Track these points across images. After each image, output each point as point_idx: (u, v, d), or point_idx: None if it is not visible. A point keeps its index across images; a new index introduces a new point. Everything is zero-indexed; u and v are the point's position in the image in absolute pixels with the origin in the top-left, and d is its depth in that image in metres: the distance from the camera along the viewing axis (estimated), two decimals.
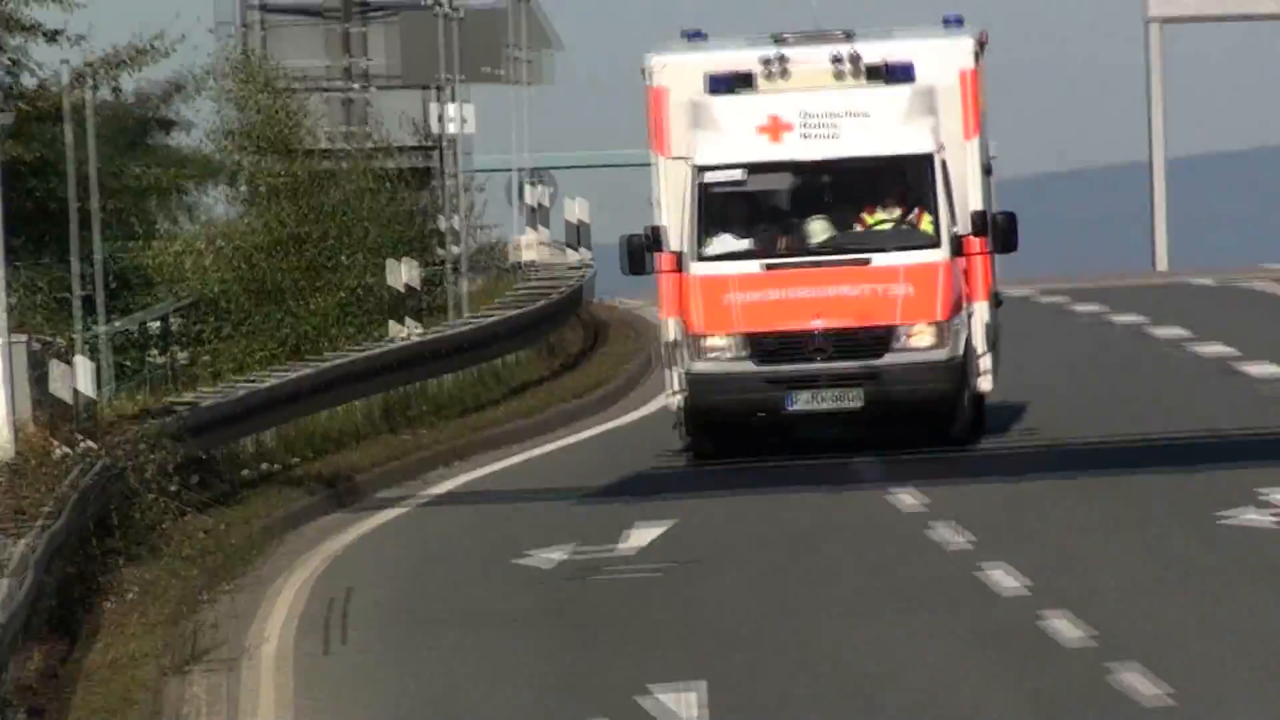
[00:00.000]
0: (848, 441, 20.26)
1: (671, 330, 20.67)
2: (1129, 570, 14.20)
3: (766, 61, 20.47)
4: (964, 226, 20.37)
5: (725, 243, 20.22)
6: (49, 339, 21.89)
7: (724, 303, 19.97)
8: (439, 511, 21.18)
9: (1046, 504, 18.36)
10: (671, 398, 20.73)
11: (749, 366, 19.81)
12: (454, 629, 13.89)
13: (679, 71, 20.59)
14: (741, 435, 20.45)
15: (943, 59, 20.68)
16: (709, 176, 20.30)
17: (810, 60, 20.53)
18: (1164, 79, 55.26)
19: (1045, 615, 11.84)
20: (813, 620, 13.16)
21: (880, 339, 19.77)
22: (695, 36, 21.43)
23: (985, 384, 20.85)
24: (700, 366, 19.97)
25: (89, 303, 27.98)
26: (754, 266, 20.19)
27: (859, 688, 10.56)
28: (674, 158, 20.36)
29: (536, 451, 24.78)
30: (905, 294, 19.80)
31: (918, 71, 20.46)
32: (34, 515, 14.36)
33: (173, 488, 17.93)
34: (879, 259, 19.90)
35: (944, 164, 20.38)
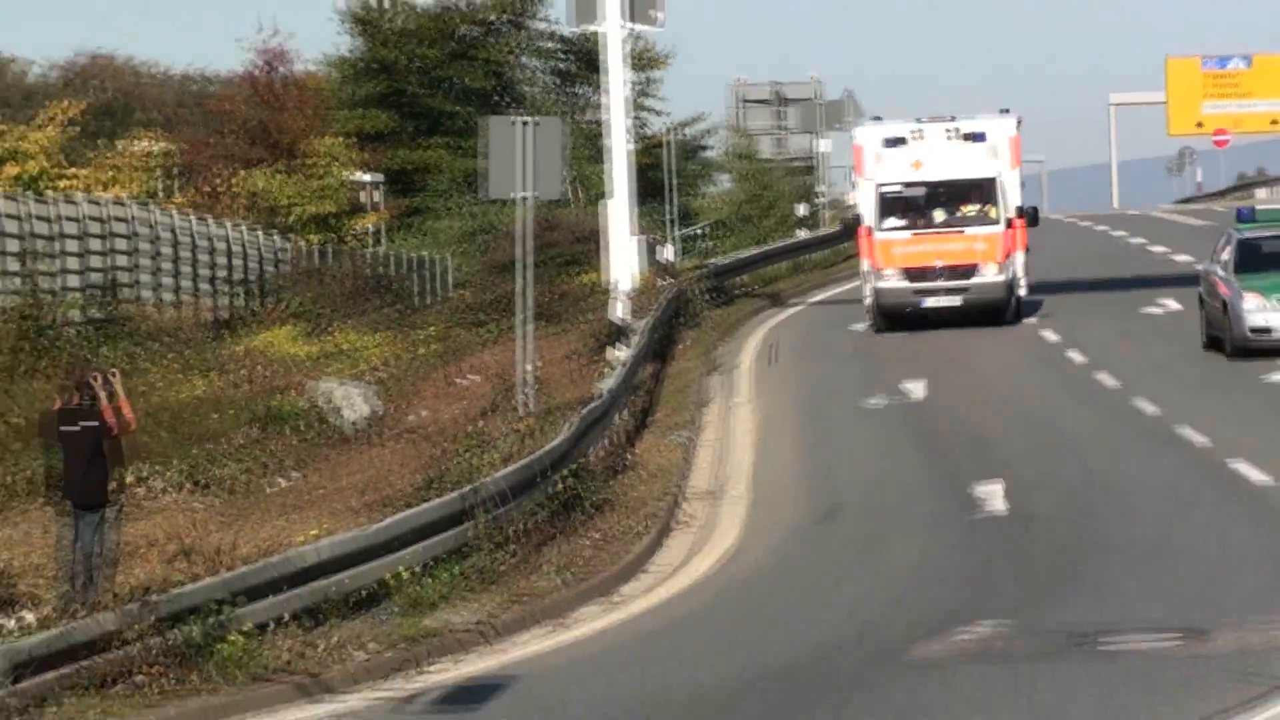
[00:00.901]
0: (955, 322, 33.20)
1: (864, 266, 35.11)
2: None
3: (912, 131, 35.40)
4: (1012, 214, 34.34)
5: (892, 222, 34.27)
6: (655, 236, 44.38)
7: (892, 252, 33.88)
8: (817, 306, 42.77)
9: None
10: (865, 300, 34.81)
11: (904, 283, 33.70)
12: (823, 359, 32.81)
13: (867, 135, 35.97)
14: (899, 319, 34.01)
15: (1000, 129, 35.20)
16: (883, 189, 34.56)
17: (934, 130, 35.22)
18: None
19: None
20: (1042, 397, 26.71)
21: (969, 270, 33.46)
22: (876, 119, 38.38)
23: (1022, 291, 34.76)
24: (880, 284, 33.94)
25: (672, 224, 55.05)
26: (906, 234, 34.10)
27: None
28: (864, 179, 35.67)
29: (837, 290, 44.72)
30: (982, 248, 33.57)
31: (988, 135, 34.95)
32: (646, 310, 33.73)
33: (706, 298, 39.00)
34: (969, 230, 33.89)
35: (1001, 182, 34.35)
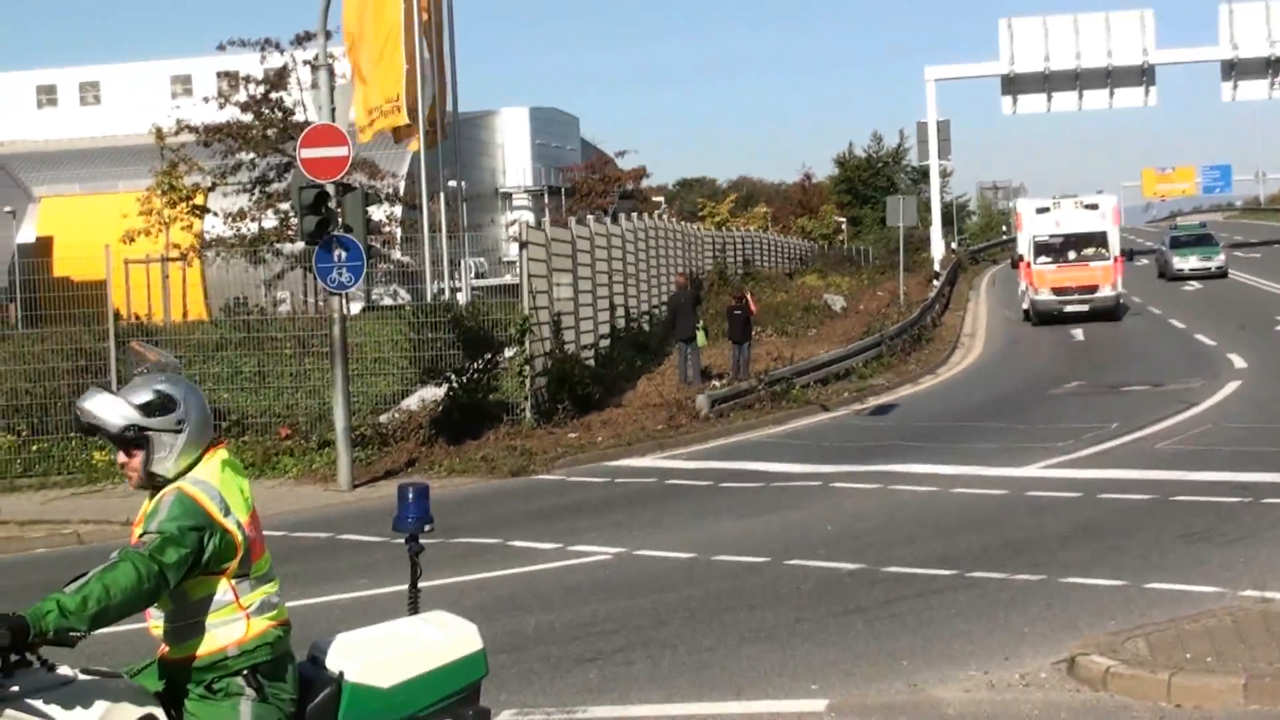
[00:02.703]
0: (1086, 319, 48.68)
1: (1022, 286, 51.22)
2: None
3: (1055, 202, 51.09)
4: (1115, 254, 49.60)
5: (1042, 258, 49.56)
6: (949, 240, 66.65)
7: (1044, 275, 49.28)
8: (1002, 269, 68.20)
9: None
10: (1023, 306, 50.80)
11: (1051, 297, 48.98)
12: (1014, 283, 56.01)
13: (1024, 206, 53.53)
14: (1048, 319, 48.74)
15: (1107, 201, 51.13)
16: (1036, 239, 49.91)
17: (1066, 203, 50.87)
18: None
19: None
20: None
21: (1094, 288, 48.80)
22: (1029, 196, 59.94)
23: (1122, 301, 49.97)
24: (1035, 297, 49.38)
25: (958, 233, 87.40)
26: (1052, 266, 49.38)
27: None
28: (1022, 232, 52.00)
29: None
30: (1102, 275, 48.85)
31: (1101, 205, 50.51)
32: (946, 266, 64.49)
33: (969, 260, 62.06)
34: (1093, 263, 49.29)
35: (1109, 234, 49.60)
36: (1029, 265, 50.12)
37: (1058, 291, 48.79)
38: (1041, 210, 50.86)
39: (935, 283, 61.63)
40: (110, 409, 6.39)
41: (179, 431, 6.39)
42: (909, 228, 55.30)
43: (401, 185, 52.66)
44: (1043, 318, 48.83)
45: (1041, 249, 49.75)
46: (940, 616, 13.23)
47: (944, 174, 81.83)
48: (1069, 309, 48.42)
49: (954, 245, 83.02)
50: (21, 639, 5.84)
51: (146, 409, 6.38)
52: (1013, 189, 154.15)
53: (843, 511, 19.13)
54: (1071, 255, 49.45)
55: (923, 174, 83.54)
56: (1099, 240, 49.64)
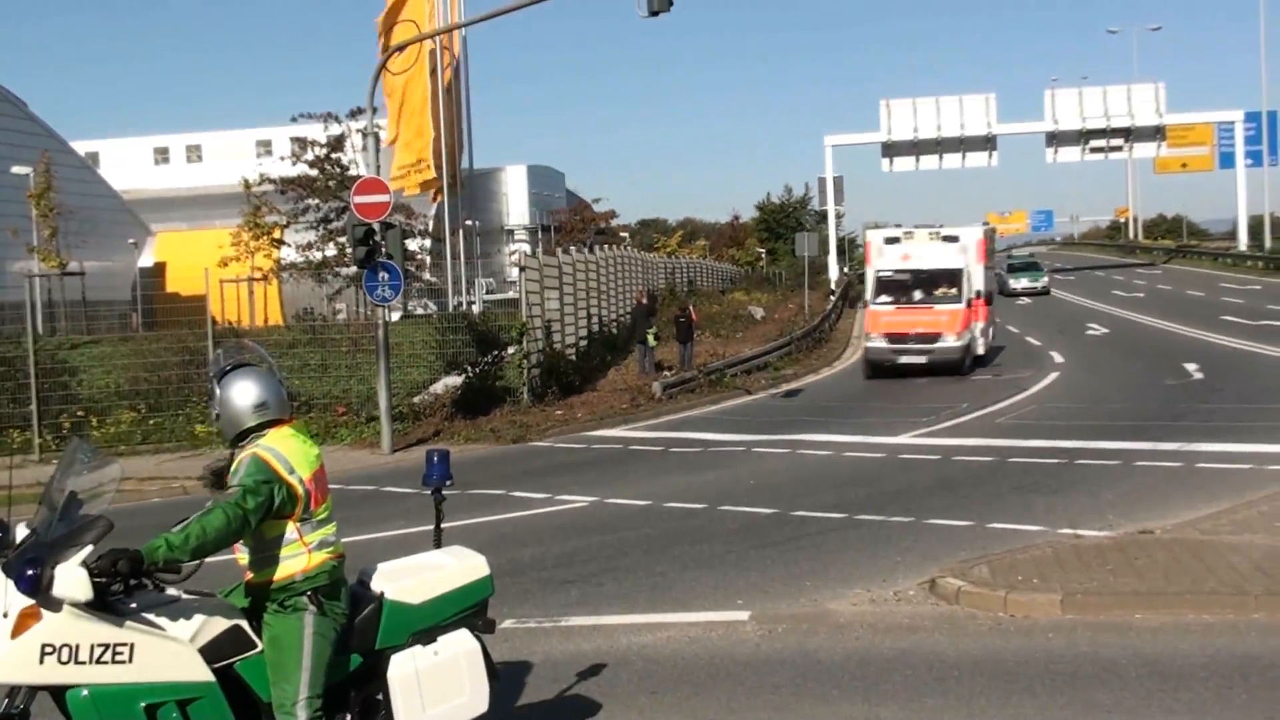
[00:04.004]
0: (921, 373, 31.11)
1: (859, 329, 39.72)
2: None
3: (906, 234, 33.25)
4: (973, 295, 31.99)
5: (882, 298, 32.28)
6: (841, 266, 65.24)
7: (879, 320, 31.82)
8: None
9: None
10: (862, 355, 33.44)
11: (884, 345, 31.37)
12: None
13: (874, 236, 33.98)
14: (881, 371, 31.27)
15: (970, 234, 32.96)
16: (880, 275, 32.69)
17: (920, 234, 33.14)
18: None
19: None
20: None
21: (934, 336, 30.94)
22: (880, 226, 39.41)
23: (980, 350, 32.57)
24: (870, 344, 32.07)
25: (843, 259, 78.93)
26: (890, 307, 31.85)
27: None
28: (870, 266, 33.76)
29: None
30: (947, 320, 31.12)
31: (961, 238, 32.53)
32: (840, 284, 57.37)
33: (858, 283, 59.66)
34: (938, 306, 31.51)
35: (967, 272, 31.87)
36: (867, 306, 33.79)
37: (893, 338, 31.34)
38: (891, 241, 33.30)
39: (832, 298, 60.29)
40: (210, 387, 6.61)
41: (216, 412, 6.54)
42: (812, 257, 54.45)
43: (431, 224, 52.52)
44: (874, 368, 31.50)
45: (884, 286, 32.55)
46: (835, 549, 13.18)
47: (839, 216, 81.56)
48: (903, 359, 30.99)
49: (845, 269, 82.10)
50: (138, 567, 5.83)
51: (217, 391, 6.54)
52: (891, 226, 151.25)
53: (761, 470, 19.06)
54: (918, 295, 32.07)
55: (822, 216, 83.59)
56: (952, 278, 31.99)
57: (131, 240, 57.84)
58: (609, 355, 36.33)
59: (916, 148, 77.54)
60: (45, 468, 20.43)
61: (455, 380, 27.45)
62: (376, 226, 22.44)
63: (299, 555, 6.35)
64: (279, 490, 6.20)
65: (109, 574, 5.75)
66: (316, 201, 41.45)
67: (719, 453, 21.13)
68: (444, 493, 7.56)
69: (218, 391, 6.47)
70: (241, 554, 6.46)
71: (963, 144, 77.39)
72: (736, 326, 47.73)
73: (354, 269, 33.15)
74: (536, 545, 13.97)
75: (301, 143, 41.74)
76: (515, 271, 40.40)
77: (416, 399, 26.76)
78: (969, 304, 32.14)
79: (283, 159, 42.91)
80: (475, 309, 42.64)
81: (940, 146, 77.36)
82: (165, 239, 61.44)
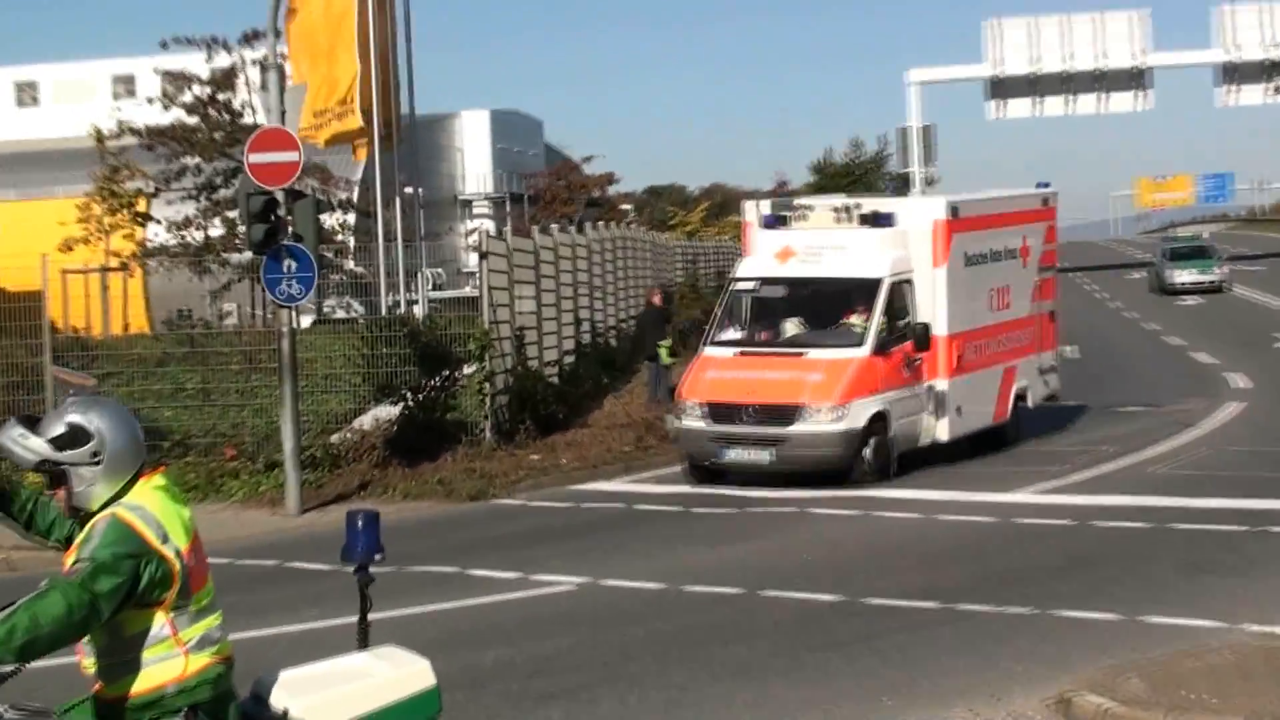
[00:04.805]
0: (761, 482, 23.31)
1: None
2: None
3: (795, 208, 25.88)
4: (908, 329, 24.20)
5: (728, 333, 24.82)
6: None
7: (702, 377, 24.09)
8: None
9: None
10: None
11: (702, 425, 23.41)
12: None
13: (753, 212, 26.35)
14: (702, 473, 23.78)
15: (922, 211, 25.20)
16: (736, 285, 25.58)
17: (821, 209, 25.47)
18: None
19: None
20: None
21: (788, 414, 22.81)
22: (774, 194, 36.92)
23: (942, 434, 24.86)
24: (680, 421, 23.99)
25: None
26: (730, 352, 24.30)
27: None
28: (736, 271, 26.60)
29: None
30: (815, 381, 23.08)
31: (896, 219, 24.71)
32: None
33: None
34: (812, 353, 23.58)
35: (893, 286, 24.13)
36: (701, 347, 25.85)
37: (717, 412, 23.63)
38: (774, 221, 25.76)
39: None
40: (22, 444, 6.38)
41: (95, 464, 6.36)
42: None
43: (356, 192, 52.55)
44: (694, 467, 24.14)
45: (738, 310, 25.54)
46: (925, 652, 13.16)
47: (929, 181, 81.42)
48: (730, 455, 23.46)
49: None
50: None
51: (57, 442, 6.36)
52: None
53: (821, 539, 19.11)
54: (791, 328, 24.60)
55: (905, 180, 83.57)
56: (861, 299, 24.29)
57: None
58: (605, 377, 36.37)
59: (1036, 85, 77.81)
60: None
61: (390, 412, 27.48)
62: (280, 196, 22.46)
63: (171, 658, 6.34)
64: (148, 566, 6.19)
65: None
66: (196, 161, 41.61)
67: (761, 515, 21.16)
68: (371, 570, 7.53)
69: (78, 433, 6.38)
70: (89, 657, 6.43)
71: (1102, 80, 77.67)
72: None
73: (248, 255, 33.20)
74: (504, 645, 13.95)
75: (177, 79, 41.92)
76: (474, 259, 40.37)
77: (335, 438, 26.78)
78: (881, 348, 23.76)
79: (150, 101, 43.06)
80: (418, 311, 42.74)
81: (1070, 84, 77.65)
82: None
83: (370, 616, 7.56)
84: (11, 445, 6.39)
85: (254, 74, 38.19)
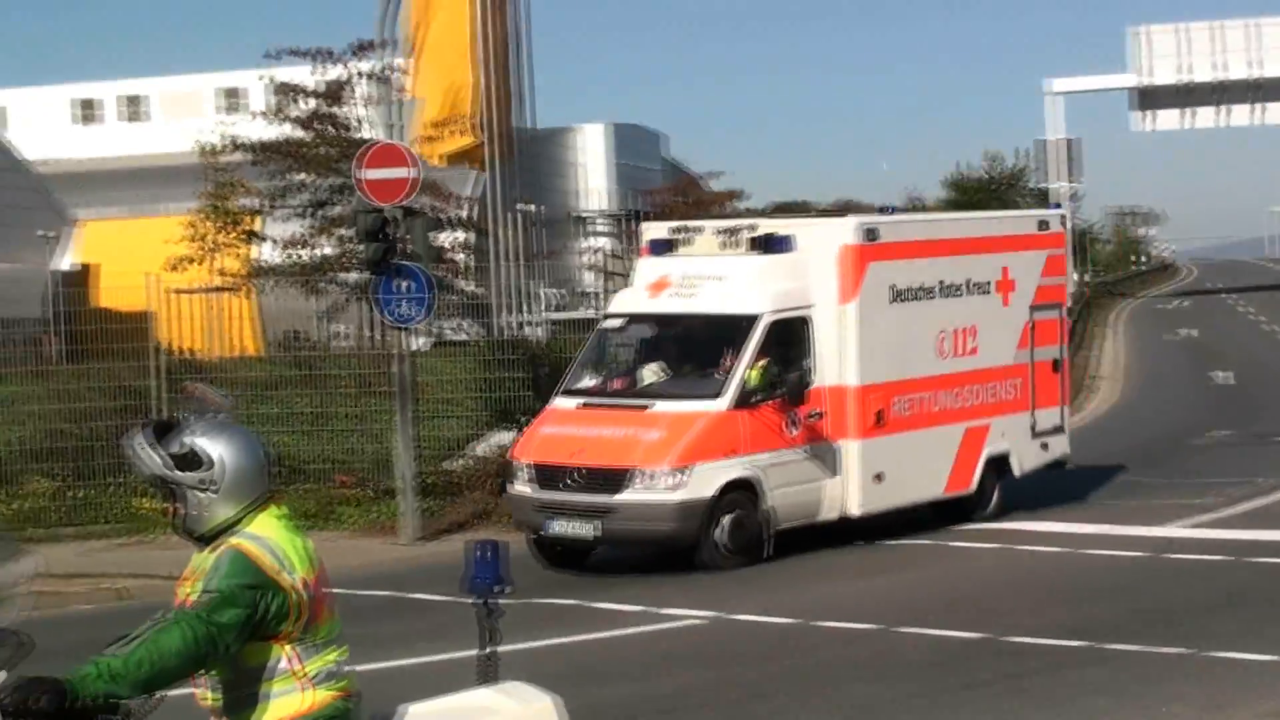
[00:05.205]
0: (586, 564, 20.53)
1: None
2: None
3: (681, 230, 22.59)
4: (820, 380, 20.81)
5: (584, 379, 21.59)
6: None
7: (536, 434, 21.10)
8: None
9: None
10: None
11: (529, 490, 20.48)
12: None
13: (648, 236, 23.27)
14: (542, 546, 20.56)
15: (829, 235, 21.44)
16: (604, 323, 22.64)
17: (708, 233, 22.11)
18: None
19: None
20: None
21: (616, 479, 19.56)
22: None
23: (853, 506, 21.11)
24: (512, 488, 21.12)
25: None
26: (575, 403, 20.96)
27: None
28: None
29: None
30: (653, 440, 19.86)
31: (795, 244, 21.26)
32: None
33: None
34: (659, 406, 20.30)
35: (780, 324, 20.74)
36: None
37: (545, 476, 20.69)
38: (661, 248, 22.84)
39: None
40: (142, 453, 6.42)
41: (205, 490, 6.39)
42: None
43: (474, 209, 52.80)
44: (532, 540, 20.81)
45: (595, 358, 22.57)
46: (1071, 693, 13.04)
47: (1073, 196, 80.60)
48: (555, 528, 20.43)
49: (1084, 274, 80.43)
50: (60, 705, 5.84)
51: (175, 462, 6.40)
52: (1151, 214, 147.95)
53: (960, 574, 19.06)
54: (646, 376, 21.40)
55: (1042, 196, 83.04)
56: (735, 338, 20.91)
57: (43, 232, 58.96)
58: None
59: (1187, 95, 76.94)
60: None
61: (508, 437, 27.55)
62: (395, 213, 22.63)
63: (293, 692, 6.39)
64: (270, 599, 6.25)
65: (23, 714, 5.82)
66: (311, 177, 41.97)
67: (896, 548, 21.09)
68: (496, 602, 7.55)
69: (202, 455, 6.43)
70: (205, 690, 6.49)
71: (1258, 89, 76.62)
72: None
73: (358, 275, 33.45)
74: (629, 681, 13.99)
75: (290, 91, 42.31)
76: (592, 278, 40.39)
77: (452, 465, 26.91)
78: (748, 401, 20.33)
79: (255, 116, 43.42)
80: (537, 333, 42.89)
81: (1223, 93, 76.69)
82: (95, 231, 62.52)
83: (497, 650, 7.57)
84: (133, 451, 6.44)
85: (365, 86, 38.45)
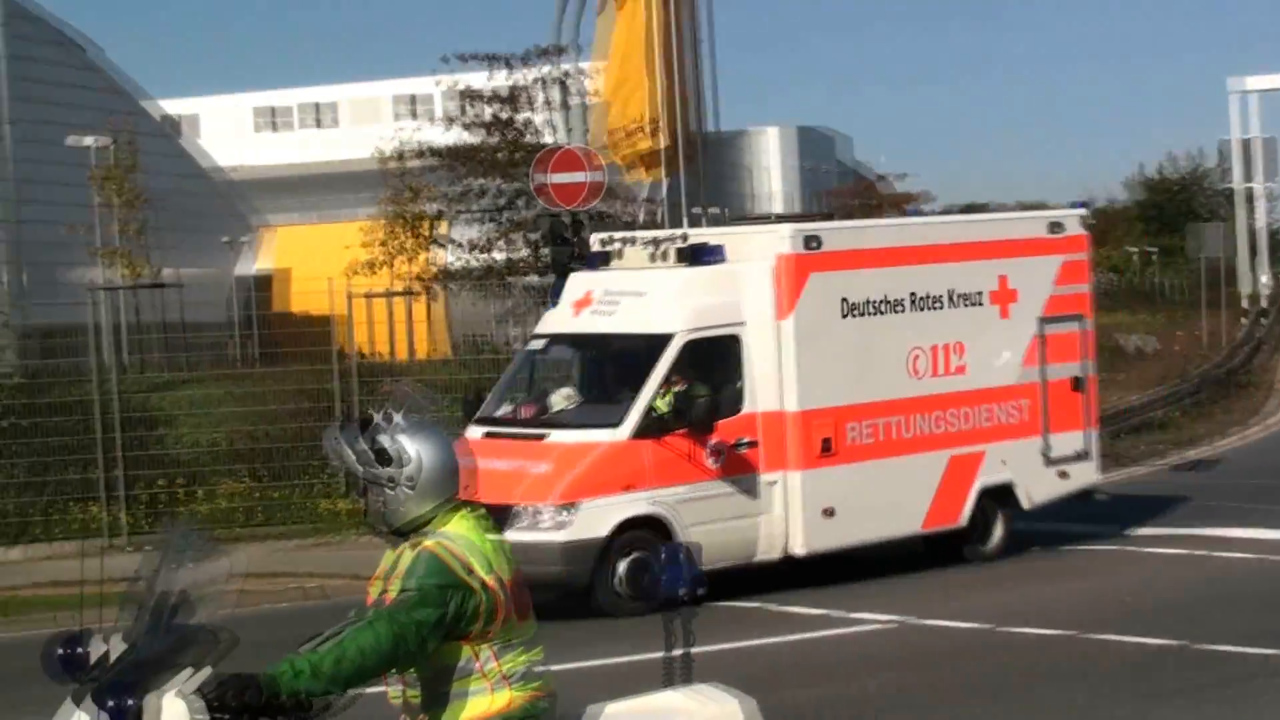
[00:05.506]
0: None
1: None
2: None
3: (611, 241, 20.45)
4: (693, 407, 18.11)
5: (496, 407, 19.74)
6: None
7: None
8: None
9: None
10: None
11: None
12: None
13: (598, 244, 20.82)
14: None
15: (765, 245, 19.18)
16: (529, 345, 20.79)
17: (641, 243, 19.99)
18: None
19: None
20: None
21: (502, 517, 17.00)
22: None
23: (796, 545, 18.88)
24: None
25: None
26: (480, 433, 18.88)
27: None
28: None
29: None
30: (539, 474, 18.05)
31: (730, 255, 19.16)
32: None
33: None
34: (555, 435, 18.48)
35: (700, 344, 18.69)
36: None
37: None
38: (595, 261, 20.76)
39: (1244, 320, 57.58)
40: (337, 446, 6.59)
41: (402, 486, 6.54)
42: (1215, 258, 52.36)
43: (657, 213, 52.87)
44: None
45: (516, 383, 20.73)
46: (1270, 700, 12.82)
47: (1271, 198, 79.03)
48: None
49: (1275, 276, 78.71)
50: (256, 702, 5.93)
51: (368, 457, 6.54)
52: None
53: (1150, 581, 18.78)
54: (557, 403, 19.47)
55: (1226, 197, 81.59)
56: (647, 361, 18.90)
57: (227, 238, 59.97)
58: None
59: None
60: (124, 557, 21.26)
61: None
62: (583, 217, 22.71)
63: (481, 693, 6.46)
64: (459, 599, 6.33)
65: (223, 709, 5.91)
66: (497, 182, 42.17)
67: (1085, 554, 20.90)
68: (690, 606, 7.55)
69: (392, 452, 6.56)
70: (396, 688, 6.56)
71: None
72: (1109, 364, 46.84)
73: (535, 279, 33.59)
74: (815, 684, 13.94)
75: (471, 97, 42.62)
76: None
77: None
78: (655, 429, 18.31)
79: (433, 121, 43.78)
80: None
81: None
82: (286, 236, 63.49)
83: (680, 651, 7.55)
84: (334, 445, 6.59)
85: (543, 91, 38.64)
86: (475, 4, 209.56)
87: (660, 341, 18.56)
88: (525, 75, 41.62)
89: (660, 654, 7.61)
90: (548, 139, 35.81)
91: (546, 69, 37.72)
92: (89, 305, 28.24)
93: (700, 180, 50.34)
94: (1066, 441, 21.10)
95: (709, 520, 18.13)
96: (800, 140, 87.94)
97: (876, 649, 15.49)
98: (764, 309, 18.93)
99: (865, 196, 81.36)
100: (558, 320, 20.15)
